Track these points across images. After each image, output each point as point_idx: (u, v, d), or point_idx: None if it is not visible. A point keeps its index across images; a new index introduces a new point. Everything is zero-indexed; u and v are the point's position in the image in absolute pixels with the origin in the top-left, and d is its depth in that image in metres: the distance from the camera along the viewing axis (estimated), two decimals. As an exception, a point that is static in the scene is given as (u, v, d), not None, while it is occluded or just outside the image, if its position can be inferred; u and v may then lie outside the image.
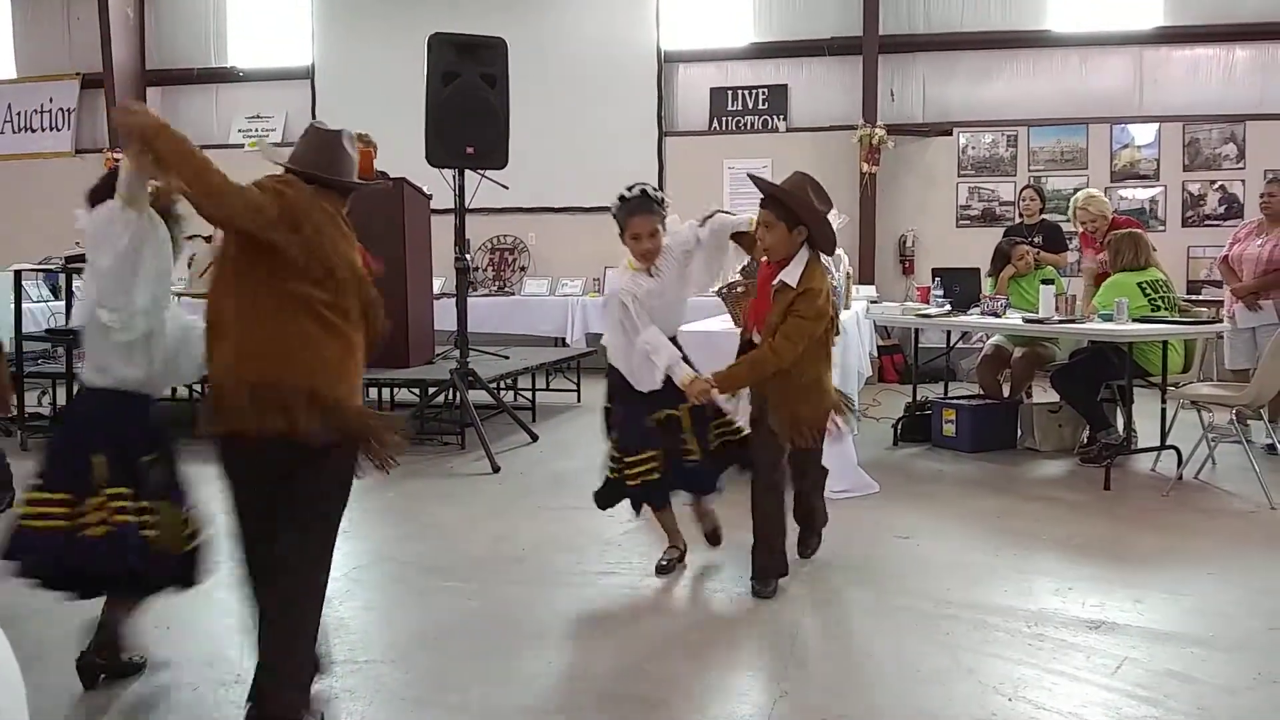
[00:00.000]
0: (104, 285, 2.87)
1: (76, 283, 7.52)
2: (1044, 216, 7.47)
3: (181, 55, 12.04)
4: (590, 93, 10.77)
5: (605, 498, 4.06)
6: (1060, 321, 6.01)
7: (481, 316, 9.47)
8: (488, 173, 6.59)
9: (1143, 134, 9.90)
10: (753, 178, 3.90)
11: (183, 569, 3.00)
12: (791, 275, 3.70)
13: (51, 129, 12.31)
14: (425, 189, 7.22)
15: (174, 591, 3.04)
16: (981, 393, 7.01)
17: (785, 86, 10.78)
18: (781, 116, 10.74)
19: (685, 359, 3.86)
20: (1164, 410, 5.78)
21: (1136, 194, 9.91)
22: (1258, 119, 9.61)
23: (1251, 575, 4.07)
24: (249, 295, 2.66)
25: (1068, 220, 7.36)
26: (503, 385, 7.56)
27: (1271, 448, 6.14)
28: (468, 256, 6.96)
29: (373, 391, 6.96)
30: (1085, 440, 6.37)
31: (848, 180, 10.02)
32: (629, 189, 3.85)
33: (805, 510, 4.11)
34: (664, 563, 4.10)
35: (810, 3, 10.58)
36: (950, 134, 10.36)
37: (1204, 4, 9.73)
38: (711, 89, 10.94)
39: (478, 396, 6.76)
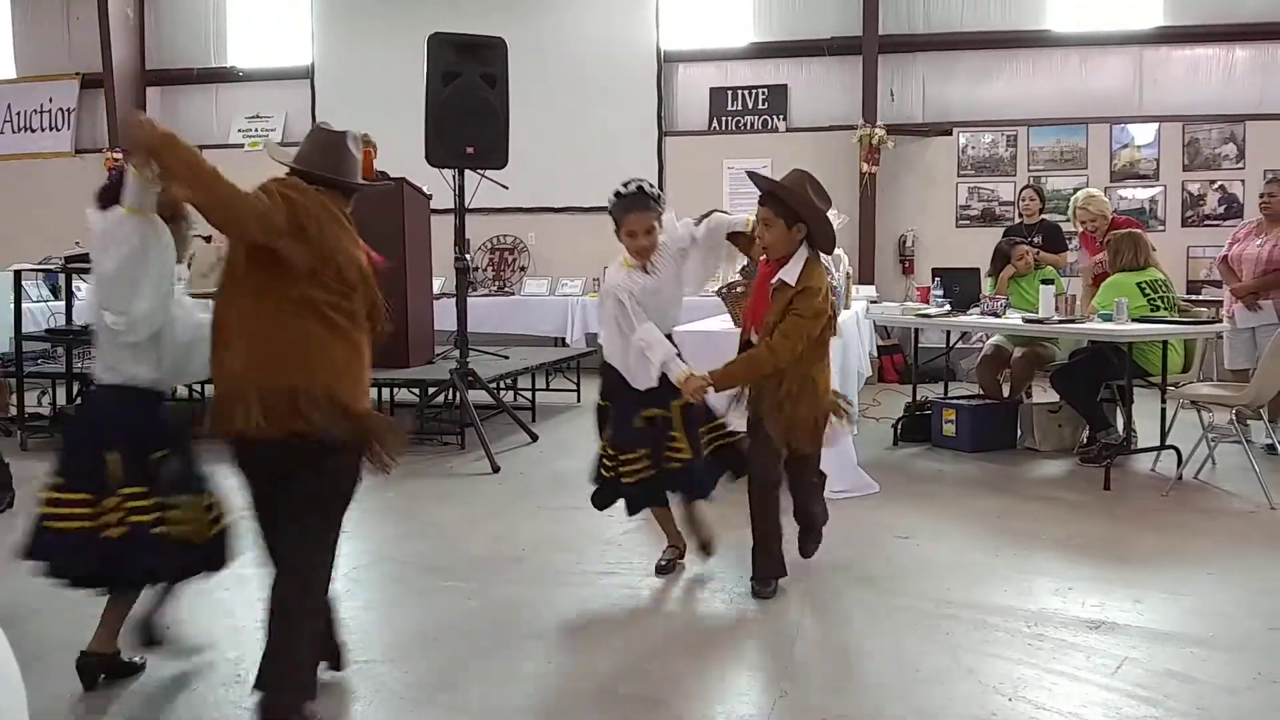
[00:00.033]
0: (107, 289, 2.89)
1: (77, 283, 7.53)
2: (1044, 216, 7.48)
3: (181, 55, 12.04)
4: (590, 93, 10.77)
5: (602, 498, 4.05)
6: (1060, 321, 6.01)
7: (481, 316, 9.47)
8: (488, 173, 6.59)
9: (1142, 134, 9.91)
10: (751, 175, 3.87)
11: (210, 555, 3.04)
12: (790, 273, 3.67)
13: (51, 129, 12.32)
14: (425, 189, 7.22)
15: (204, 577, 3.08)
16: (981, 393, 7.01)
17: (785, 86, 10.78)
18: (781, 116, 10.74)
19: (679, 356, 3.85)
20: (1164, 410, 5.78)
21: (1136, 194, 9.92)
22: (1257, 119, 9.61)
23: (1251, 575, 4.07)
24: (257, 299, 2.68)
25: (1067, 220, 7.37)
26: (503, 385, 7.56)
27: (1271, 448, 6.14)
28: (468, 256, 6.96)
29: (373, 392, 6.96)
30: (1085, 440, 6.37)
31: (847, 180, 10.03)
32: (625, 185, 3.82)
33: (803, 513, 4.08)
34: (664, 563, 4.09)
35: (810, 3, 10.58)
36: (950, 134, 10.37)
37: (1204, 4, 9.73)
38: (711, 89, 10.94)
39: (478, 396, 6.76)
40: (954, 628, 3.50)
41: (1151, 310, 5.90)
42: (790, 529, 3.97)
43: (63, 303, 7.67)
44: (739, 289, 5.18)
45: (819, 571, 4.07)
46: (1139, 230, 6.36)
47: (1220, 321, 6.35)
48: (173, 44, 12.08)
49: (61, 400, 7.26)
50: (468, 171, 6.54)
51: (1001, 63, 10.29)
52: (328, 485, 2.77)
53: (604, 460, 3.98)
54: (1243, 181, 9.62)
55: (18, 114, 12.39)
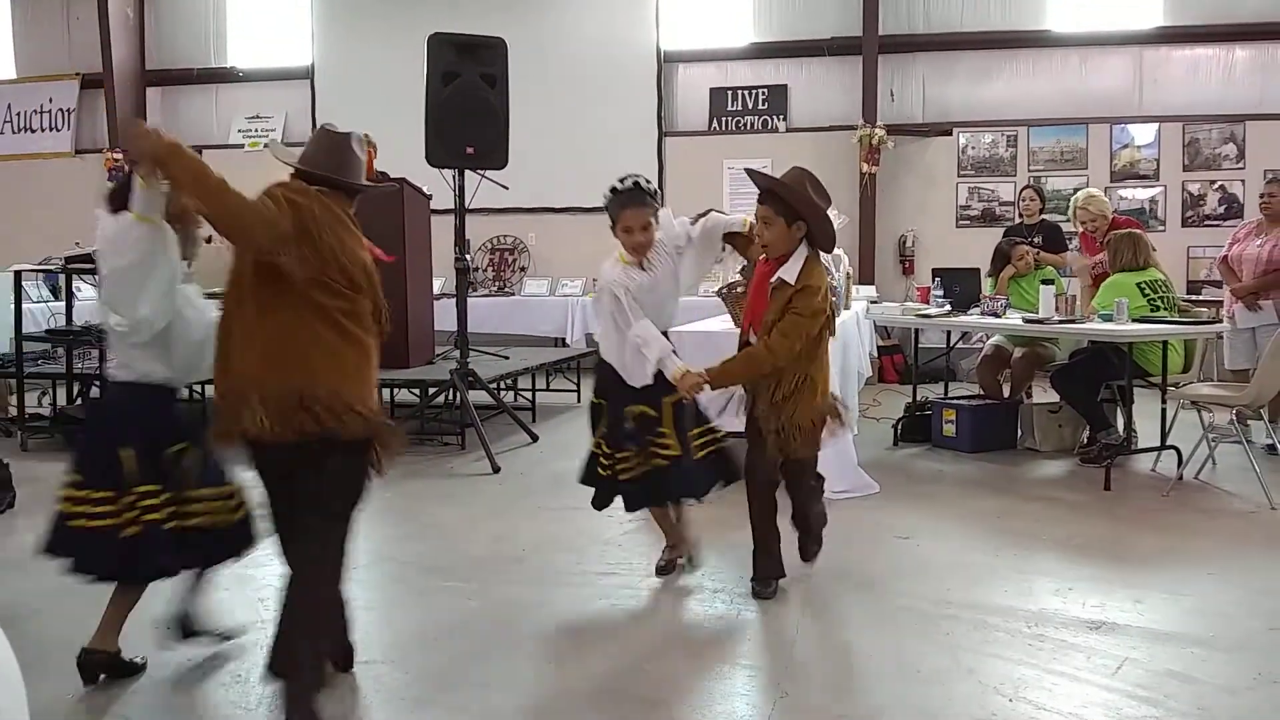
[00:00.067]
0: (112, 291, 2.92)
1: (77, 283, 7.54)
2: (1044, 216, 7.48)
3: (181, 55, 12.04)
4: (590, 93, 10.77)
5: (601, 498, 4.03)
6: (1060, 321, 6.01)
7: (481, 317, 9.48)
8: (488, 173, 6.59)
9: (1142, 134, 9.91)
10: (750, 172, 3.82)
11: (237, 539, 3.10)
12: (790, 272, 3.64)
13: (51, 129, 12.31)
14: (425, 189, 7.22)
15: (233, 561, 3.14)
16: (981, 393, 7.01)
17: (785, 86, 10.78)
18: (781, 116, 10.74)
19: (675, 353, 3.83)
20: (1164, 410, 5.78)
21: (1136, 194, 9.92)
22: (1257, 119, 9.61)
23: (1251, 575, 4.07)
24: (263, 304, 2.70)
25: (1068, 220, 7.37)
26: (503, 385, 7.56)
27: (1271, 448, 6.14)
28: (468, 257, 6.96)
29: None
30: (1085, 440, 6.37)
31: (848, 180, 10.03)
32: (621, 181, 3.79)
33: (802, 517, 4.03)
34: (663, 563, 4.09)
35: (810, 3, 10.58)
36: (950, 134, 10.37)
37: (1204, 4, 9.73)
38: (711, 89, 10.94)
39: (478, 397, 6.76)
40: (954, 628, 3.50)
41: (1151, 310, 5.90)
42: (790, 533, 3.95)
43: (63, 303, 7.67)
44: (739, 289, 5.16)
45: (819, 572, 4.06)
46: (1139, 230, 6.36)
47: (1220, 322, 6.35)
48: (173, 44, 12.08)
49: (62, 401, 7.26)
50: (468, 172, 6.54)
51: (1001, 63, 10.29)
52: (328, 485, 2.78)
53: (600, 459, 3.94)
54: (1243, 182, 9.62)
55: (18, 114, 12.39)
